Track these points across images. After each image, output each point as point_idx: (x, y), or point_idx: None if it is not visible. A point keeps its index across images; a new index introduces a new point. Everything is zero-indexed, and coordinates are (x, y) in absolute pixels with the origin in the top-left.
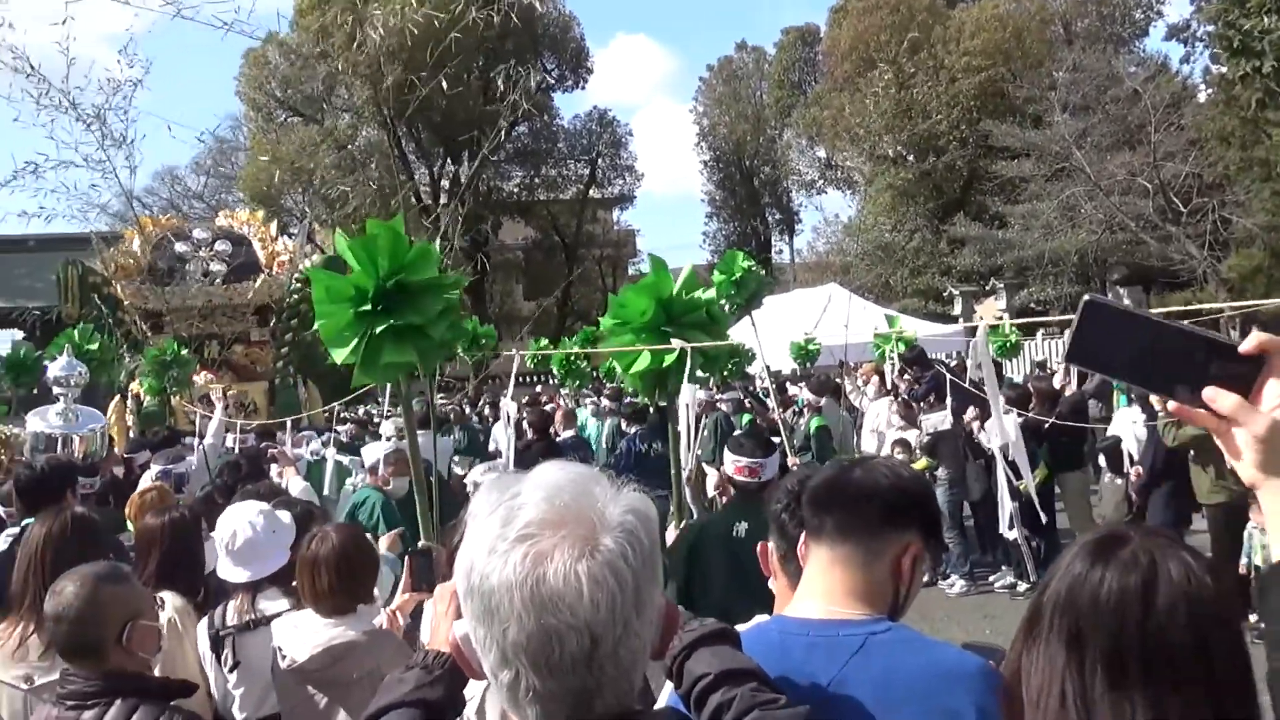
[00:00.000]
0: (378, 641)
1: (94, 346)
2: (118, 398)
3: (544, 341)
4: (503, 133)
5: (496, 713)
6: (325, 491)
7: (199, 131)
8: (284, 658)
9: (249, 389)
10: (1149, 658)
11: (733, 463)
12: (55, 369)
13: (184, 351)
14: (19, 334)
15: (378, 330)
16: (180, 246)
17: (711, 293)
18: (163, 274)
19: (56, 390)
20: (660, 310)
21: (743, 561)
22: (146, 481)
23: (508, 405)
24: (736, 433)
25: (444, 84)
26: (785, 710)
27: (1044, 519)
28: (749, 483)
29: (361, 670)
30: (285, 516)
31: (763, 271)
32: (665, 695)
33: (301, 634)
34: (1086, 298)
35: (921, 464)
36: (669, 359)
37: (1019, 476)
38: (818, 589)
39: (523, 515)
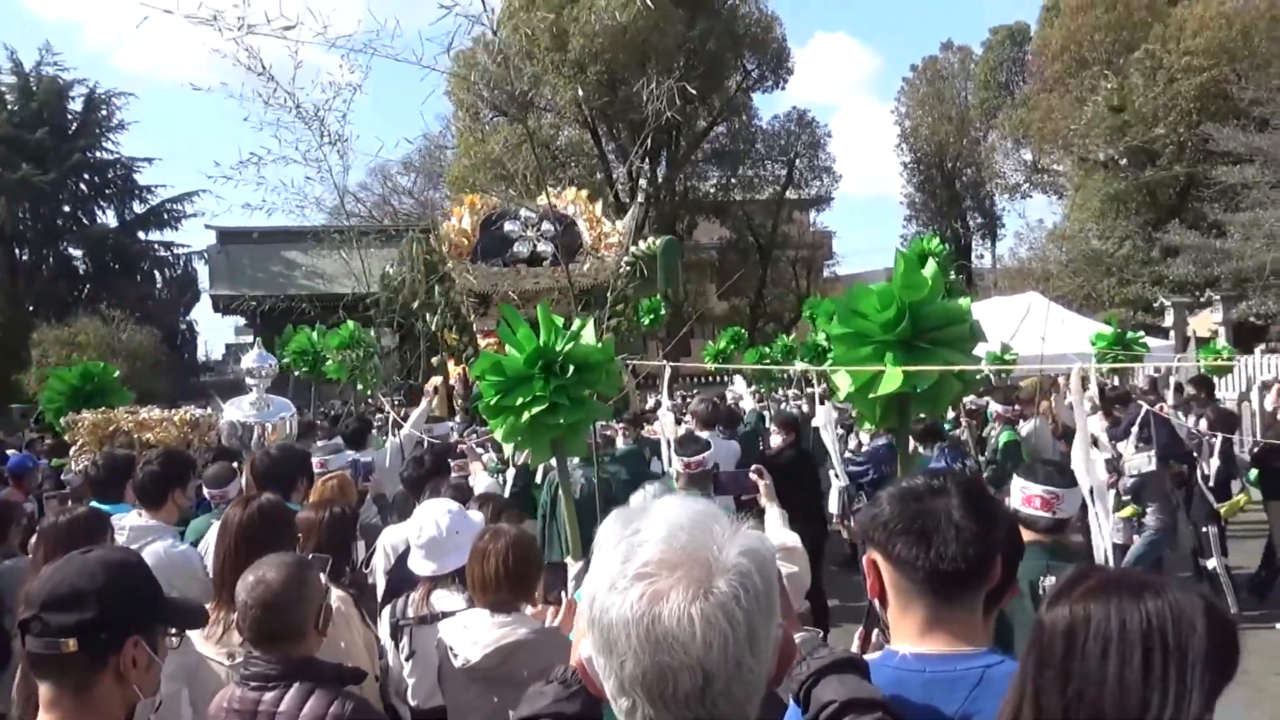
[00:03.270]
0: (547, 640)
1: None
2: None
3: (729, 335)
4: (699, 133)
5: None
6: None
7: (410, 136)
8: (455, 656)
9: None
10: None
11: (1020, 489)
12: (247, 361)
13: (370, 339)
14: (241, 321)
15: (541, 397)
16: (508, 226)
17: (965, 301)
18: (491, 253)
19: (249, 381)
20: (910, 320)
21: None
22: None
23: (664, 418)
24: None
25: (645, 84)
26: None
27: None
28: (1040, 516)
29: (531, 668)
30: (476, 516)
31: (957, 275)
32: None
33: (471, 634)
34: None
35: (1127, 511)
36: (924, 383)
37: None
38: (921, 622)
39: (642, 553)
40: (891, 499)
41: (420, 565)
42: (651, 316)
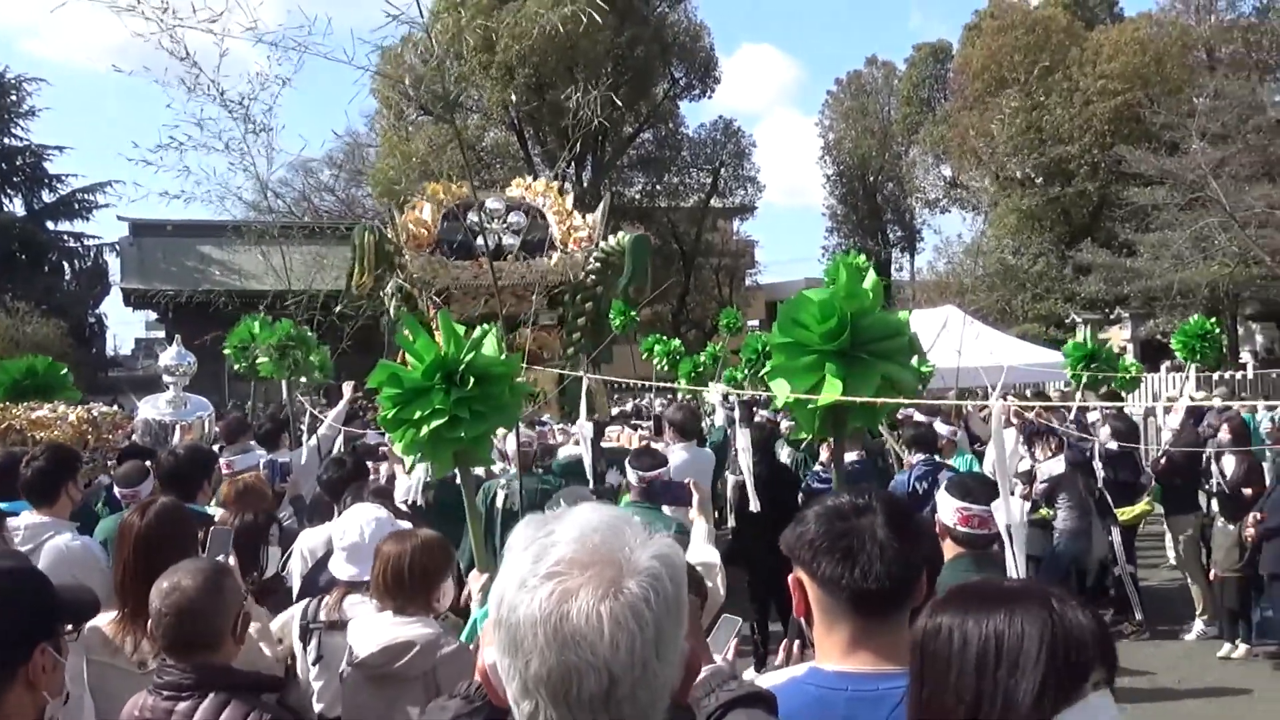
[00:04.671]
0: (438, 643)
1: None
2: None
3: (654, 338)
4: (626, 139)
5: None
6: None
7: (337, 130)
8: (352, 654)
9: (539, 377)
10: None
11: (957, 509)
12: (165, 358)
13: (307, 331)
14: (153, 316)
15: (442, 409)
16: (472, 216)
17: (902, 313)
18: (453, 247)
19: (166, 379)
20: (850, 331)
21: None
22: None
23: (583, 427)
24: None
25: (574, 91)
26: None
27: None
28: (978, 535)
29: (423, 669)
30: (404, 524)
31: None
32: None
33: (367, 632)
34: None
35: (1041, 513)
36: (862, 393)
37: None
38: (846, 641)
39: (554, 553)
40: (817, 517)
41: (341, 569)
42: (621, 319)
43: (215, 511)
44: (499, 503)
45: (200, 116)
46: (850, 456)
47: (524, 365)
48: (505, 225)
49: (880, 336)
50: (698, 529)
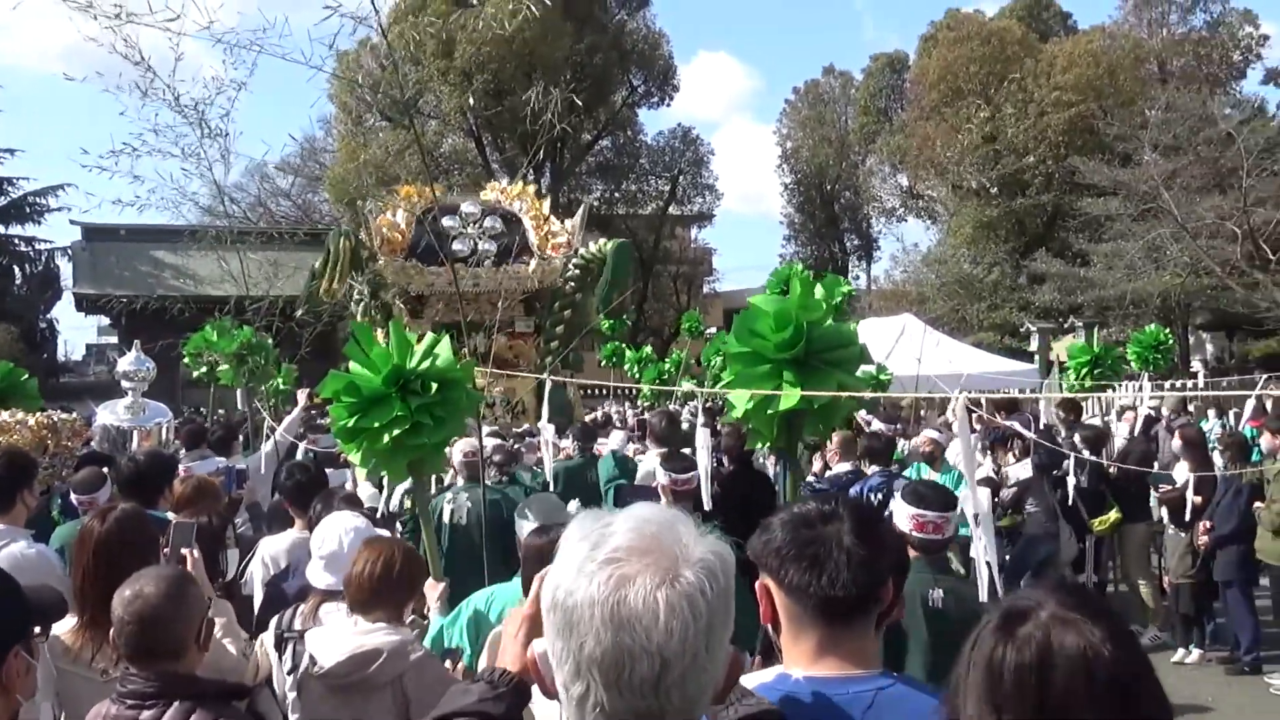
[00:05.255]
0: (406, 650)
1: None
2: None
3: (612, 345)
4: (586, 146)
5: None
6: None
7: (294, 134)
8: (314, 663)
9: (516, 386)
10: None
11: (912, 516)
12: (124, 363)
13: (268, 339)
14: (105, 321)
15: (399, 418)
16: (447, 221)
17: (853, 324)
18: (426, 251)
19: (125, 384)
20: (805, 341)
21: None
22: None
23: (545, 431)
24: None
25: (535, 92)
26: None
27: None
28: (933, 540)
29: (387, 676)
30: (384, 534)
31: (848, 289)
32: None
33: (332, 640)
34: None
35: (1005, 521)
36: (818, 401)
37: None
38: (814, 647)
39: (612, 540)
40: (784, 524)
41: (319, 577)
42: (610, 324)
43: (172, 517)
44: (445, 517)
45: (155, 123)
46: (845, 467)
47: (487, 371)
48: (481, 230)
49: (833, 345)
50: None
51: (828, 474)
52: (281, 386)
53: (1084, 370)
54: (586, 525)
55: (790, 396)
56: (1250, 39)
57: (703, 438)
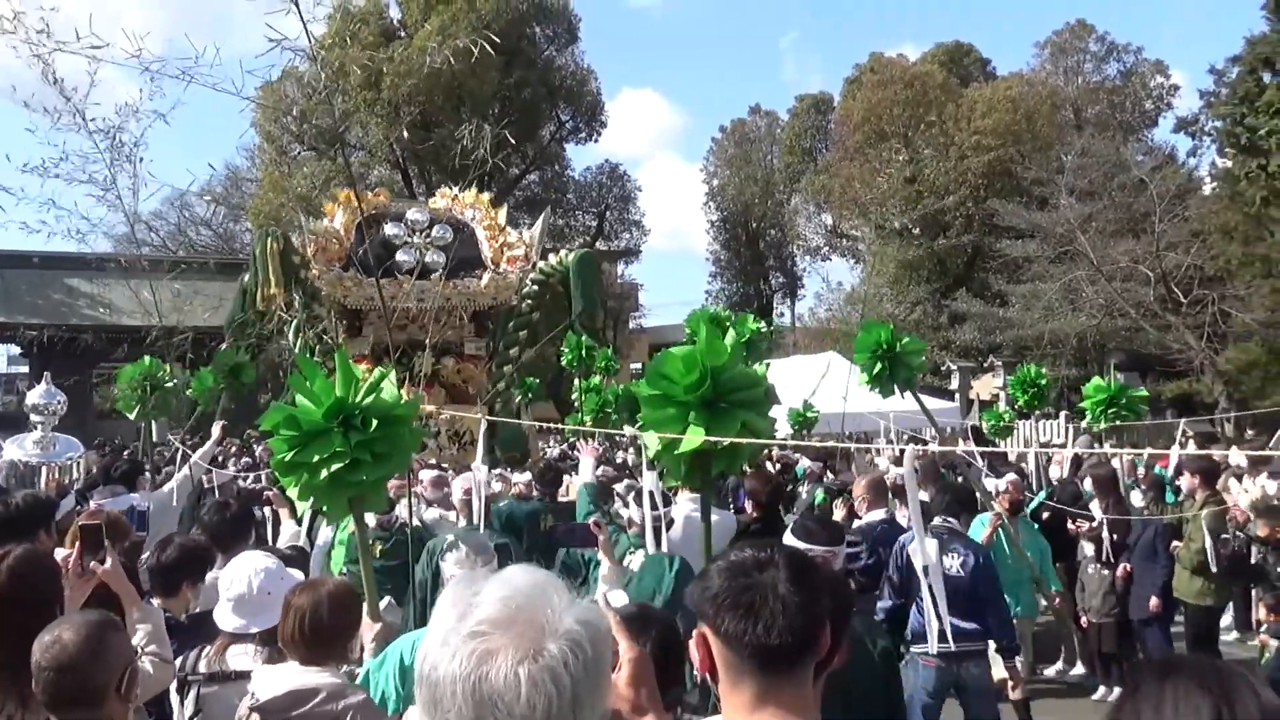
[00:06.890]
0: (343, 693)
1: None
2: None
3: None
4: (514, 179)
5: None
6: None
7: (214, 164)
8: (254, 699)
9: (465, 416)
10: None
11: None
12: (34, 396)
13: (167, 368)
14: (16, 350)
15: (338, 453)
16: (390, 229)
17: (760, 366)
18: (368, 263)
19: (35, 418)
20: (711, 383)
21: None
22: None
23: (477, 471)
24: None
25: (468, 128)
26: None
27: None
28: None
29: (322, 717)
30: (297, 574)
31: (770, 329)
32: None
33: (272, 678)
34: None
35: None
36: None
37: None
38: (752, 697)
39: (477, 613)
40: (720, 572)
41: (226, 619)
42: (572, 354)
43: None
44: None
45: (63, 148)
46: (878, 514)
47: (427, 402)
48: (428, 240)
49: (740, 387)
50: (604, 569)
51: (856, 524)
52: (200, 405)
53: (1099, 410)
54: (459, 591)
55: (693, 440)
56: (1161, 89)
57: (650, 481)
